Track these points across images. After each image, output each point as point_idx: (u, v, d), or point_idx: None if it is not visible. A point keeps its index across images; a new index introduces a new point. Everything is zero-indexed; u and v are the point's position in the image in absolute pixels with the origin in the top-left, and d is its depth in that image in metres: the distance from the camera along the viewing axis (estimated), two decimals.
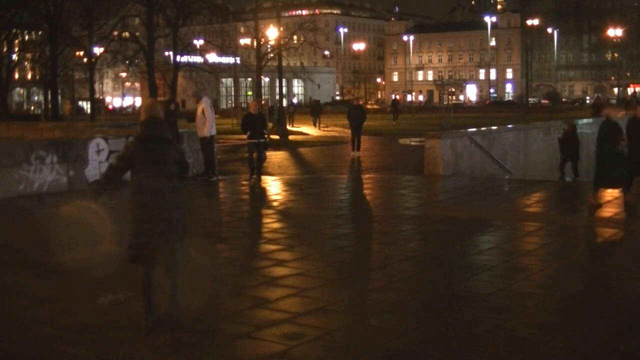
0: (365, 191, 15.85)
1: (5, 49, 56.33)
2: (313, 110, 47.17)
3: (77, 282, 7.86)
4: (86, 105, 79.34)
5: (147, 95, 56.60)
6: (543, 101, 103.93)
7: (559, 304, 6.93)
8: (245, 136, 18.22)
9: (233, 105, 71.51)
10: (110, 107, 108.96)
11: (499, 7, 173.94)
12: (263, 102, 41.98)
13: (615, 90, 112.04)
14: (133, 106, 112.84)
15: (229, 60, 64.46)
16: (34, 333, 6.30)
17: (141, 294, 6.32)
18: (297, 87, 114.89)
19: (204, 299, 7.13)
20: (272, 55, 52.03)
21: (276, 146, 27.78)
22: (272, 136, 24.50)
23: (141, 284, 6.29)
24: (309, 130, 42.28)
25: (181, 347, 5.87)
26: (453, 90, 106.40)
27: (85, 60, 57.24)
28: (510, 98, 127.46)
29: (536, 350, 5.73)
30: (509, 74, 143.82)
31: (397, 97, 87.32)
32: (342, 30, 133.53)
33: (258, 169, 17.94)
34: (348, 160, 23.16)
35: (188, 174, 6.32)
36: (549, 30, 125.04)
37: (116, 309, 6.89)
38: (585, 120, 30.13)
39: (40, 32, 57.99)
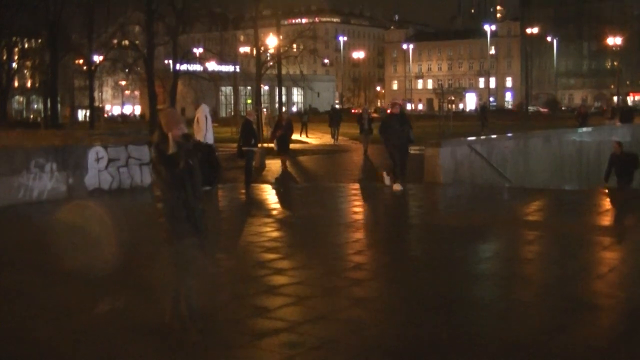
0: (364, 199, 15.82)
1: (5, 57, 56.37)
2: (332, 119, 40.52)
3: (78, 285, 7.86)
4: (83, 113, 79.46)
5: (146, 103, 56.57)
6: (542, 109, 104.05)
7: (559, 311, 6.92)
8: (235, 145, 18.22)
9: (233, 113, 71.50)
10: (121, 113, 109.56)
11: (498, 15, 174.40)
12: (264, 112, 42.02)
13: (615, 98, 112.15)
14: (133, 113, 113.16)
15: (229, 68, 64.53)
16: (34, 334, 6.30)
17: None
18: (297, 95, 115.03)
19: (202, 308, 7.11)
20: (271, 63, 52.14)
21: (275, 154, 27.73)
22: (270, 145, 24.32)
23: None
24: (317, 141, 41.30)
25: (181, 355, 5.85)
26: (453, 98, 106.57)
27: (85, 67, 57.26)
28: (509, 107, 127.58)
29: (535, 354, 5.73)
30: (509, 82, 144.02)
31: (485, 103, 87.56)
32: (342, 39, 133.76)
33: (251, 176, 18.01)
34: (347, 168, 23.10)
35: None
36: (549, 38, 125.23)
37: (117, 311, 6.89)
38: (585, 129, 30.16)
39: (39, 40, 58.05)
